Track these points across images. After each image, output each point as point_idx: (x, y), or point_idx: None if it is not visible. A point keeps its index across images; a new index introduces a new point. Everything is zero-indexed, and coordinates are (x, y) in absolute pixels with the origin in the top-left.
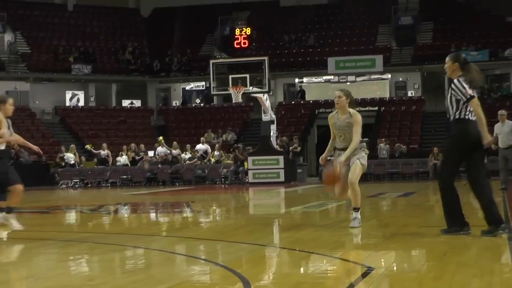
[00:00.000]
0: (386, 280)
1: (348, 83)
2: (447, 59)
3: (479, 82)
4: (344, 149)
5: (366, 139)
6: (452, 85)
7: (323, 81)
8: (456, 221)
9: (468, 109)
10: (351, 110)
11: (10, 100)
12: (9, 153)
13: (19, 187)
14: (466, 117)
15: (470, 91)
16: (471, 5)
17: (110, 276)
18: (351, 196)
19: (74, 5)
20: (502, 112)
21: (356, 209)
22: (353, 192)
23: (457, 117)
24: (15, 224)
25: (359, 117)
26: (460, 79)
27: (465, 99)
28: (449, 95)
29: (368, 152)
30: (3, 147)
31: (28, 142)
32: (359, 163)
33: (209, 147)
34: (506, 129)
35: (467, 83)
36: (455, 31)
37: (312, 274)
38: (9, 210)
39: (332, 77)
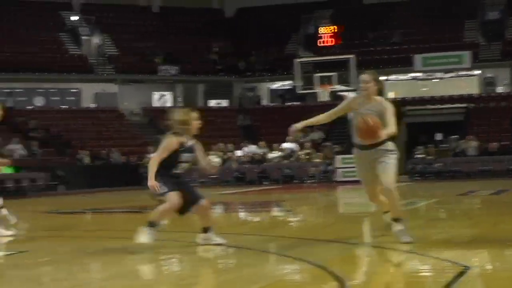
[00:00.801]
0: (481, 279)
1: (435, 80)
2: None
3: None
4: (366, 148)
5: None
6: None
7: (410, 78)
8: None
9: None
10: (378, 97)
11: (195, 114)
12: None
13: (204, 202)
14: None
15: None
16: None
17: (203, 275)
18: (389, 205)
19: (160, 7)
20: None
21: (396, 220)
22: (390, 201)
23: None
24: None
25: (390, 105)
26: None
27: None
28: None
29: (398, 155)
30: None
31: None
32: (392, 163)
33: (296, 145)
34: None
35: None
36: None
37: (406, 273)
38: (205, 230)
39: (419, 74)
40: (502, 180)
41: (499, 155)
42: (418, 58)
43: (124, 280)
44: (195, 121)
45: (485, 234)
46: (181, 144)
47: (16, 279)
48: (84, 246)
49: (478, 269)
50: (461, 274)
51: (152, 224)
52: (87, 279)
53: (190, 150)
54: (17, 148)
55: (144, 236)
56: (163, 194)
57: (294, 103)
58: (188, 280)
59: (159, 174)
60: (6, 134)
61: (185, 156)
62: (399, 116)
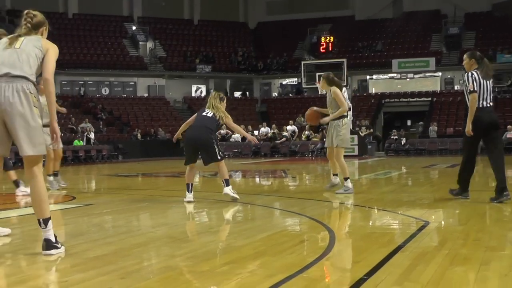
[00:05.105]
0: (439, 232)
1: (407, 79)
2: (464, 56)
3: (491, 74)
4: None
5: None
6: (464, 78)
7: (388, 77)
8: (466, 187)
9: (481, 96)
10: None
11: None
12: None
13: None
14: (480, 105)
15: (472, 86)
16: (505, 19)
17: (225, 225)
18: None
19: (199, 20)
20: None
21: (345, 179)
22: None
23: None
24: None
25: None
26: (469, 74)
27: (467, 91)
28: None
29: (345, 127)
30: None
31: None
32: (337, 145)
33: (296, 128)
34: None
35: (475, 77)
36: (493, 38)
37: (380, 226)
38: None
39: (395, 74)
40: (456, 156)
41: (454, 137)
42: (395, 62)
43: (167, 227)
44: (225, 104)
45: (442, 197)
46: None
47: (84, 224)
48: (137, 201)
49: (435, 224)
50: (422, 227)
51: (228, 182)
52: (139, 226)
53: None
54: (88, 126)
55: (230, 192)
56: (222, 157)
57: (298, 96)
58: (216, 228)
59: (216, 139)
60: (79, 116)
61: None
62: (380, 107)
